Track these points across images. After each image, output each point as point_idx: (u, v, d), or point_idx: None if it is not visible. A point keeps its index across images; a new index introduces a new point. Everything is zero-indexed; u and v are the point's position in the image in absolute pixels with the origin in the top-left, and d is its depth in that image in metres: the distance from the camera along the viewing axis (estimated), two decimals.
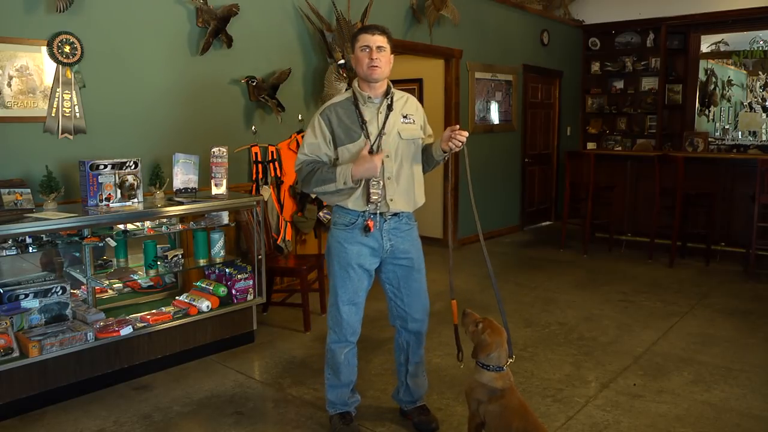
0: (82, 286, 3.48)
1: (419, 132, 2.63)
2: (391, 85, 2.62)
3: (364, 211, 2.54)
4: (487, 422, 2.30)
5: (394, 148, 2.54)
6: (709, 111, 9.73)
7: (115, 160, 3.36)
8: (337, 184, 2.48)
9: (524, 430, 2.20)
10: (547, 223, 8.27)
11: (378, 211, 2.53)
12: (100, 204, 3.30)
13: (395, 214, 2.58)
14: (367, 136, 2.51)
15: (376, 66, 2.48)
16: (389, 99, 2.57)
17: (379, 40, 2.50)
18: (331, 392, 2.75)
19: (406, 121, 2.59)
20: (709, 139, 7.85)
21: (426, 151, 2.64)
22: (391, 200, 2.54)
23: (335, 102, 2.61)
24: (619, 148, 8.38)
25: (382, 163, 2.50)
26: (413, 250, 2.67)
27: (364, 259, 2.58)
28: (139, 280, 3.68)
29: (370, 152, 2.48)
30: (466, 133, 2.45)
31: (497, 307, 4.50)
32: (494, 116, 7.10)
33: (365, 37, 2.50)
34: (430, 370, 3.33)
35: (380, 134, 2.52)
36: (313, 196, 4.41)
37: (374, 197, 2.50)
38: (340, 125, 2.53)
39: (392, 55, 2.58)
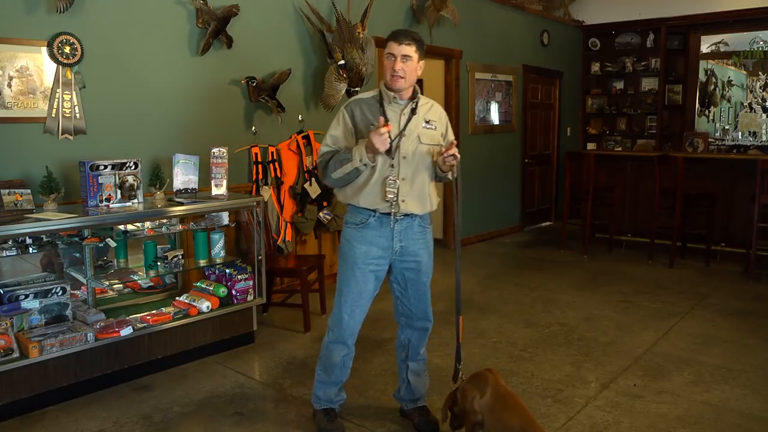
0: (83, 287, 3.48)
1: (439, 139, 2.64)
2: (418, 90, 2.63)
3: (375, 210, 2.55)
4: (486, 423, 2.29)
5: (412, 150, 2.56)
6: (709, 111, 9.71)
7: (115, 161, 3.36)
8: (353, 163, 2.47)
9: (521, 428, 2.20)
10: (547, 223, 8.27)
11: (391, 211, 2.54)
12: (100, 204, 3.30)
13: (407, 215, 2.58)
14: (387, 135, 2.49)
15: (400, 77, 2.49)
16: (414, 103, 2.58)
17: (406, 49, 2.48)
18: (320, 388, 2.78)
19: (428, 126, 2.60)
20: (709, 140, 7.83)
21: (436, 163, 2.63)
22: (403, 201, 2.55)
23: (361, 98, 2.64)
24: (619, 149, 8.38)
25: (399, 164, 2.52)
26: (423, 253, 2.67)
27: (372, 259, 2.59)
28: (139, 281, 3.68)
29: (390, 147, 2.48)
30: (454, 149, 2.45)
31: (498, 308, 4.52)
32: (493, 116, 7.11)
33: (392, 46, 2.50)
34: (430, 370, 3.32)
35: (400, 135, 2.54)
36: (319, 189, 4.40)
37: (390, 195, 2.51)
38: (363, 119, 2.55)
39: (422, 62, 2.57)
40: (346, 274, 2.62)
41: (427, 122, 2.60)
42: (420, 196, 2.59)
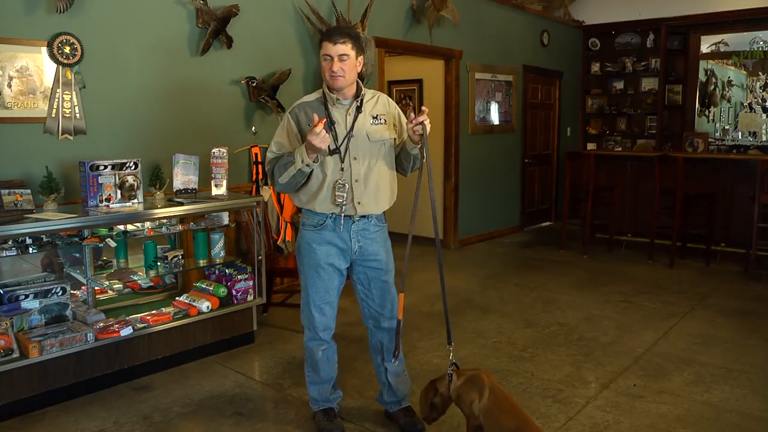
0: (83, 287, 3.48)
1: (389, 132, 2.60)
2: (362, 86, 2.60)
3: (332, 214, 2.54)
4: (484, 424, 2.29)
5: (363, 150, 2.53)
6: (709, 111, 9.72)
7: (115, 161, 3.36)
8: (296, 165, 2.43)
9: (516, 428, 2.20)
10: (547, 223, 8.27)
11: (345, 214, 2.54)
12: (100, 204, 3.30)
13: (363, 216, 2.58)
14: (335, 138, 2.48)
15: (339, 76, 2.46)
16: (359, 101, 2.55)
17: (342, 48, 2.44)
18: (312, 389, 2.79)
19: (376, 122, 2.56)
20: (709, 140, 7.84)
21: (403, 148, 2.59)
22: (359, 203, 2.53)
23: (305, 101, 2.60)
24: (619, 149, 8.38)
25: (350, 167, 2.50)
26: (383, 251, 2.66)
27: (334, 258, 2.59)
28: (139, 281, 3.68)
29: (333, 151, 2.46)
30: (423, 116, 2.39)
31: (498, 308, 4.50)
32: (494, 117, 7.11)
33: (327, 46, 2.46)
34: (430, 370, 3.34)
35: (348, 136, 2.51)
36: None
37: (339, 200, 2.49)
38: (309, 123, 2.51)
39: (360, 57, 2.54)
40: (310, 276, 2.62)
41: (375, 117, 2.56)
42: (375, 196, 2.57)
